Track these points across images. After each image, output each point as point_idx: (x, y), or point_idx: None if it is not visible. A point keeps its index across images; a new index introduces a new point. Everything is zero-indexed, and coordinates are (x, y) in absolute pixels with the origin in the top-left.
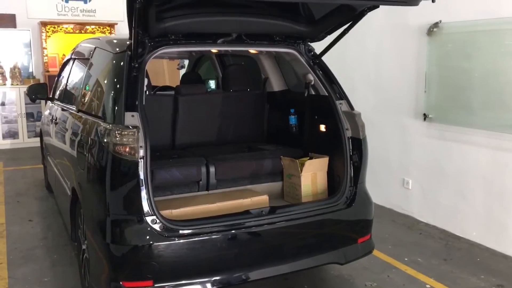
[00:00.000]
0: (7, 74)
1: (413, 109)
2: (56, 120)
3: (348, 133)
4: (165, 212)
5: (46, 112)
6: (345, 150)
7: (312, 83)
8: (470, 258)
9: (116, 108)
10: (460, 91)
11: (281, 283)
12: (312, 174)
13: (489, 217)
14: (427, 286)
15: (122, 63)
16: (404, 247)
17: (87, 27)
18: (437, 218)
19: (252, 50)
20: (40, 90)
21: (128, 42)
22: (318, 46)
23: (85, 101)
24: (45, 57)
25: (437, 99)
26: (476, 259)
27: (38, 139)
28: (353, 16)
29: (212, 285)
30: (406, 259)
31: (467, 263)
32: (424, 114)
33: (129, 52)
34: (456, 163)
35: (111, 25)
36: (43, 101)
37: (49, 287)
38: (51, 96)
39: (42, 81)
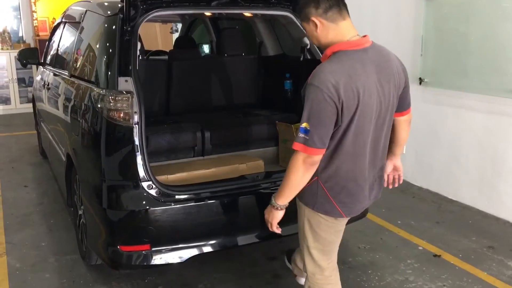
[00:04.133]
0: None
1: (409, 73)
2: (48, 85)
3: None
4: (161, 178)
5: (38, 78)
6: None
7: (308, 47)
8: (462, 220)
9: (109, 73)
10: (456, 54)
11: (275, 246)
12: None
13: (482, 181)
14: (420, 248)
15: (114, 27)
16: (397, 211)
17: None
18: (430, 182)
19: (247, 13)
20: (31, 55)
21: (120, 5)
22: None
23: (78, 66)
24: (35, 21)
25: (433, 63)
26: (468, 221)
27: (30, 104)
28: None
29: (208, 248)
30: (399, 222)
31: (459, 225)
32: (420, 78)
33: (121, 15)
34: (450, 128)
35: None
36: (34, 66)
37: (47, 251)
38: (42, 61)
39: (32, 45)
